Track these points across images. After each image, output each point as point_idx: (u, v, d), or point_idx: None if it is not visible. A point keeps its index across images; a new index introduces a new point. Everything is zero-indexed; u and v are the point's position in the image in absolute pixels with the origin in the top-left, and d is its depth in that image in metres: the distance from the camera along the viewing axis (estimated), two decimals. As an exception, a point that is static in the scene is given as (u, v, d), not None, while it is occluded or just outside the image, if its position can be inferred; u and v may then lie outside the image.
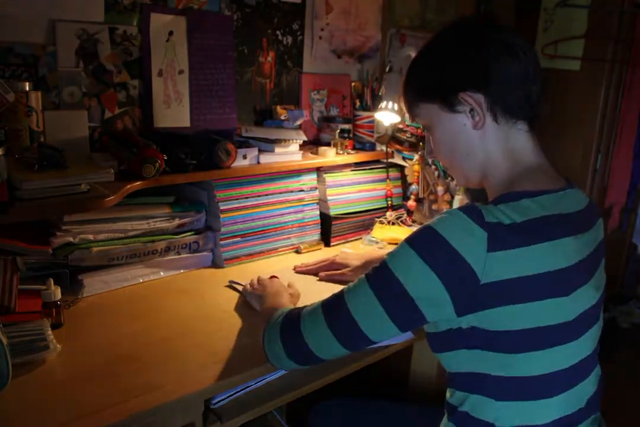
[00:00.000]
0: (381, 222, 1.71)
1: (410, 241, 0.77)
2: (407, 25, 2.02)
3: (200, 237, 1.39)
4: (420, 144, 1.67)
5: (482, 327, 0.75)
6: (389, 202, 1.76)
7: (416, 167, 1.72)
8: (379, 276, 0.79)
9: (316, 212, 1.62)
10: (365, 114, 1.80)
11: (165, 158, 1.23)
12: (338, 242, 1.66)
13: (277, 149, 1.49)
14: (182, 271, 1.38)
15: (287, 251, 1.56)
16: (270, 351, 0.90)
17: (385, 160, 1.76)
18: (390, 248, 1.58)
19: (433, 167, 1.69)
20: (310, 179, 1.60)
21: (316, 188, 1.61)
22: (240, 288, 1.27)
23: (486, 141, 0.85)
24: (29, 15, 1.23)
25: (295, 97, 1.78)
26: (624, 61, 2.00)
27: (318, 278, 1.37)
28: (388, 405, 1.20)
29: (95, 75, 1.35)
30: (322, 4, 1.76)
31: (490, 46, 0.82)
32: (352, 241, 1.69)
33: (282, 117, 1.64)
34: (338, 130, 1.69)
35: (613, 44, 1.98)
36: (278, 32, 1.68)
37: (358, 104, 1.85)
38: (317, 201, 1.62)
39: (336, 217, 1.64)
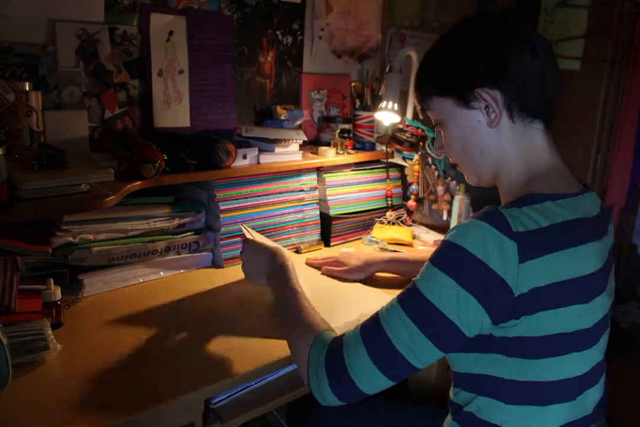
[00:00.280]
0: (381, 222, 1.71)
1: (436, 261, 0.74)
2: (407, 25, 2.02)
3: (200, 237, 1.39)
4: (421, 143, 1.67)
5: (505, 335, 0.74)
6: (389, 202, 1.76)
7: (416, 167, 1.72)
8: (413, 300, 0.75)
9: (316, 212, 1.62)
10: (365, 114, 1.80)
11: (165, 158, 1.23)
12: (338, 242, 1.66)
13: (277, 149, 1.49)
14: (182, 271, 1.38)
15: (287, 251, 1.56)
16: (313, 382, 0.80)
17: (385, 160, 1.76)
18: (390, 248, 1.59)
19: (433, 167, 1.69)
20: (310, 179, 1.60)
21: (316, 188, 1.61)
22: (247, 235, 1.28)
23: (501, 139, 0.83)
24: (29, 15, 1.23)
25: (295, 97, 1.78)
26: (624, 61, 2.00)
27: (321, 272, 1.38)
28: (388, 405, 1.20)
29: (95, 75, 1.35)
30: (322, 4, 1.76)
31: (511, 43, 0.79)
32: (352, 241, 1.69)
33: (282, 117, 1.64)
34: (338, 130, 1.69)
35: (613, 44, 1.99)
36: (278, 32, 1.68)
37: (358, 104, 1.85)
38: (317, 201, 1.62)
39: (336, 217, 1.64)
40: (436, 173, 1.69)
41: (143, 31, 1.40)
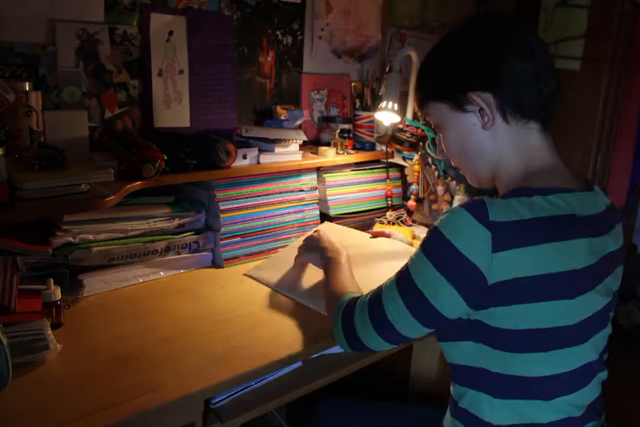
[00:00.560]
0: (381, 222, 1.71)
1: (422, 244, 0.80)
2: (407, 25, 2.02)
3: (200, 237, 1.39)
4: (421, 143, 1.67)
5: (486, 323, 0.76)
6: (389, 202, 1.76)
7: (416, 167, 1.72)
8: (403, 279, 0.82)
9: (316, 212, 1.62)
10: (365, 114, 1.80)
11: (165, 158, 1.23)
12: (338, 242, 1.65)
13: (277, 149, 1.49)
14: (182, 271, 1.38)
15: (287, 251, 1.56)
16: (335, 333, 0.94)
17: (385, 160, 1.76)
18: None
19: (433, 167, 1.69)
20: (310, 179, 1.60)
21: (316, 188, 1.61)
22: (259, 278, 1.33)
23: (497, 141, 0.84)
24: (29, 15, 1.23)
25: (295, 97, 1.78)
26: (623, 61, 2.00)
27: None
28: (388, 405, 1.20)
29: (95, 75, 1.35)
30: (322, 4, 1.76)
31: (500, 45, 0.81)
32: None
33: (282, 117, 1.64)
34: (338, 130, 1.69)
35: (613, 44, 1.99)
36: (278, 32, 1.68)
37: (358, 104, 1.85)
38: (317, 201, 1.62)
39: (336, 217, 1.64)
40: (436, 173, 1.69)
41: (143, 31, 1.40)
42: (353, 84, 1.90)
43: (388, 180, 1.77)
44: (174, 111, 1.49)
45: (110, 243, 1.24)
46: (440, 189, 1.67)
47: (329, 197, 1.64)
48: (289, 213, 1.55)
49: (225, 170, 1.37)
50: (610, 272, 0.85)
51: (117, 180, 1.15)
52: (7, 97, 1.08)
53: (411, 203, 1.74)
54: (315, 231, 1.33)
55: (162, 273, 1.34)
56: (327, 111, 1.85)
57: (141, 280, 1.30)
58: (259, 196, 1.48)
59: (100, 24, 1.33)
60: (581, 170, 2.11)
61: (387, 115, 1.65)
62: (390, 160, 1.76)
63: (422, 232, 1.70)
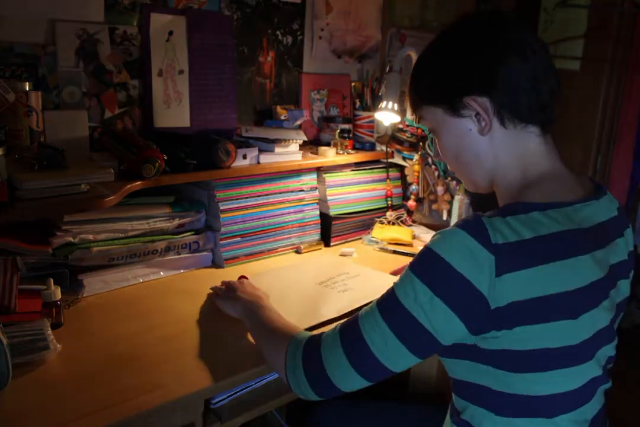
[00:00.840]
0: (381, 222, 1.71)
1: (413, 266, 0.74)
2: (407, 25, 2.02)
3: (200, 237, 1.39)
4: (421, 143, 1.67)
5: (485, 347, 0.73)
6: (389, 202, 1.76)
7: (416, 167, 1.72)
8: (388, 303, 0.75)
9: (316, 212, 1.62)
10: (365, 114, 1.80)
11: (165, 158, 1.23)
12: (338, 242, 1.66)
13: (277, 149, 1.49)
14: (182, 271, 1.38)
15: (287, 251, 1.56)
16: (292, 379, 0.83)
17: (385, 160, 1.76)
18: (390, 248, 1.59)
19: (433, 167, 1.69)
20: (310, 179, 1.60)
21: (316, 188, 1.61)
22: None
23: (494, 146, 0.81)
24: (29, 15, 1.23)
25: (295, 97, 1.78)
26: (623, 61, 2.00)
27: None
28: (388, 405, 1.20)
29: (95, 75, 1.35)
30: (322, 4, 1.76)
31: (496, 47, 0.77)
32: (352, 241, 1.69)
33: (282, 117, 1.64)
34: (338, 130, 1.69)
35: (613, 44, 1.98)
36: (278, 32, 1.68)
37: (358, 104, 1.85)
38: (317, 201, 1.62)
39: (336, 217, 1.64)
40: (436, 173, 1.69)
41: (143, 31, 1.40)
42: (353, 84, 1.90)
43: (388, 180, 1.77)
44: (174, 111, 1.49)
45: (110, 243, 1.24)
46: (440, 189, 1.67)
47: (329, 197, 1.64)
48: (289, 213, 1.55)
49: (225, 170, 1.37)
50: (615, 285, 0.81)
51: (117, 180, 1.15)
52: (7, 97, 1.08)
53: (411, 203, 1.74)
54: (237, 281, 1.22)
55: (162, 273, 1.34)
56: (327, 111, 1.85)
57: (141, 280, 1.30)
58: (259, 196, 1.48)
59: (100, 24, 1.33)
60: (581, 170, 2.11)
61: (387, 115, 1.65)
62: (390, 160, 1.76)
63: (422, 232, 1.70)
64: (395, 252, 1.58)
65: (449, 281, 0.69)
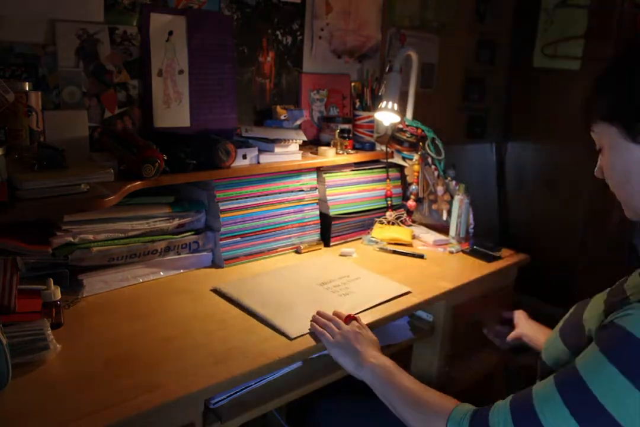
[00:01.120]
0: (381, 222, 1.71)
1: (608, 353, 0.66)
2: (407, 25, 2.02)
3: (200, 237, 1.39)
4: (421, 144, 1.67)
5: None
6: (389, 202, 1.76)
7: (416, 167, 1.72)
8: (574, 391, 0.68)
9: (316, 212, 1.62)
10: (365, 114, 1.80)
11: (165, 158, 1.23)
12: (338, 242, 1.66)
13: (277, 149, 1.49)
14: (182, 271, 1.38)
15: (287, 251, 1.56)
16: None
17: (385, 160, 1.76)
18: (390, 248, 1.59)
19: (433, 167, 1.69)
20: (310, 179, 1.60)
21: (316, 188, 1.61)
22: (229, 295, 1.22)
23: None
24: (29, 15, 1.23)
25: (295, 97, 1.78)
26: (623, 61, 2.00)
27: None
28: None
29: (95, 75, 1.35)
30: (322, 4, 1.76)
31: None
32: (351, 240, 1.69)
33: (282, 117, 1.65)
34: (338, 130, 1.69)
35: (613, 44, 1.99)
36: (278, 32, 1.68)
37: (358, 104, 1.85)
38: (317, 201, 1.62)
39: (336, 217, 1.64)
40: (436, 173, 1.69)
41: (143, 31, 1.40)
42: (353, 84, 1.90)
43: (388, 180, 1.77)
44: (174, 111, 1.49)
45: (110, 243, 1.24)
46: (440, 189, 1.68)
47: (328, 197, 1.64)
48: (288, 213, 1.55)
49: (225, 170, 1.37)
50: None
51: (117, 180, 1.15)
52: (7, 97, 1.08)
53: (411, 203, 1.74)
54: (351, 327, 1.05)
55: (162, 273, 1.34)
56: (327, 111, 1.85)
57: (141, 280, 1.30)
58: (258, 196, 1.48)
59: (100, 24, 1.33)
60: (582, 170, 2.11)
61: (387, 115, 1.65)
62: (390, 160, 1.76)
63: (421, 232, 1.70)
64: (395, 252, 1.58)
65: None
